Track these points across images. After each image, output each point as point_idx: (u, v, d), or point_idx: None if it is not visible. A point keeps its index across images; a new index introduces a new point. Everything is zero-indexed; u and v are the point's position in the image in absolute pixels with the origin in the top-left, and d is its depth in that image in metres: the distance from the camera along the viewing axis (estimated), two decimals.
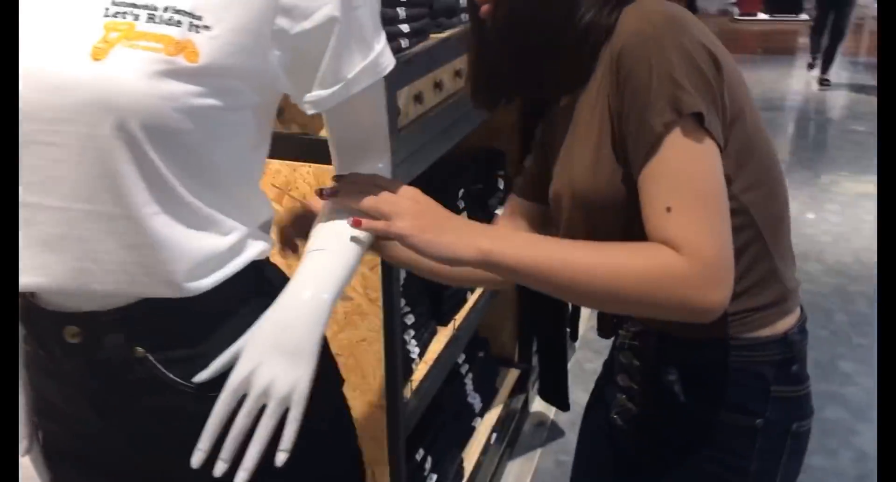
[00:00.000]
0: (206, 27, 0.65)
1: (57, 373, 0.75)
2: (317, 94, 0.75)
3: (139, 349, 0.72)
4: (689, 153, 0.74)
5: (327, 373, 0.83)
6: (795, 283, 0.93)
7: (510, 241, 0.78)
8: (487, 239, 0.76)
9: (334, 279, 0.77)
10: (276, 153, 1.18)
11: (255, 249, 0.77)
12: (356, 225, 0.77)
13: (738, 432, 0.88)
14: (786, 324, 0.89)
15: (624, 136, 0.78)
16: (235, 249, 0.74)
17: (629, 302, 0.75)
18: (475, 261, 0.76)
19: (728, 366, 0.87)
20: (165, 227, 0.67)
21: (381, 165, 0.87)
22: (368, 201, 0.77)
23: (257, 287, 0.78)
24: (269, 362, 0.72)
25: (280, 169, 1.19)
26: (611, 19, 0.79)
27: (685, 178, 0.74)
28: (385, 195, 0.78)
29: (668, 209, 0.73)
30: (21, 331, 0.78)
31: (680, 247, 0.73)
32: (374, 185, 0.80)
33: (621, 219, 0.82)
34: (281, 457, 0.72)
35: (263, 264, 0.80)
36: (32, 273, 0.65)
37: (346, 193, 0.80)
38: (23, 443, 0.85)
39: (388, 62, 0.80)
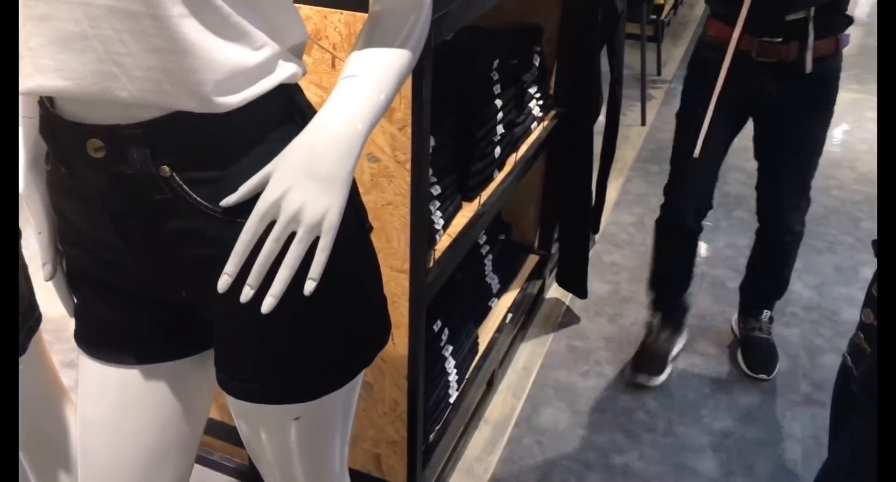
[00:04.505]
0: None
1: (81, 192, 0.73)
2: None
3: (165, 167, 0.69)
4: None
5: (358, 214, 0.81)
6: None
7: None
8: None
9: (369, 107, 0.73)
10: None
11: (286, 71, 0.72)
12: None
13: None
14: None
15: None
16: (266, 68, 0.70)
17: None
18: None
19: None
20: (193, 31, 0.62)
21: None
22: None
23: (287, 113, 0.74)
24: (300, 187, 0.69)
25: (310, 15, 1.12)
26: None
27: None
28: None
29: None
30: (44, 147, 0.75)
31: None
32: None
33: None
34: (310, 286, 0.70)
35: (294, 90, 0.76)
36: (53, 74, 0.61)
37: None
38: (46, 269, 0.85)
39: None
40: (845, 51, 1.70)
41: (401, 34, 0.77)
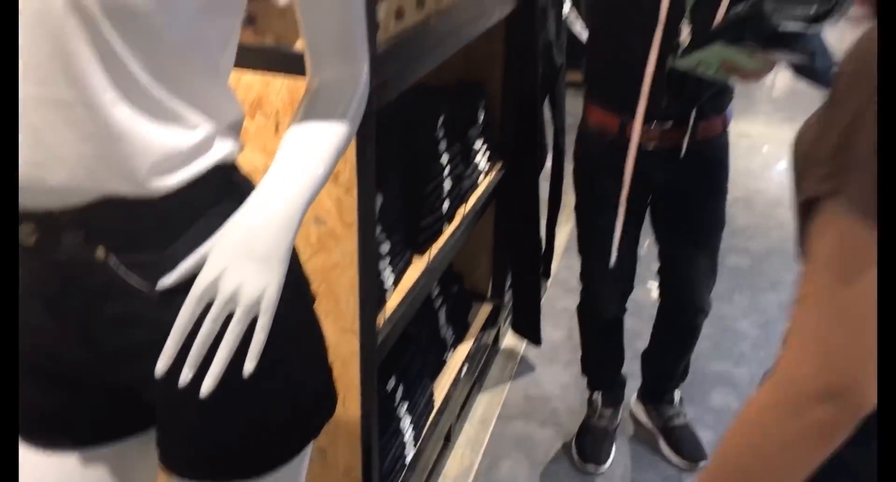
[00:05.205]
0: None
1: None
2: None
3: (99, 251, 0.67)
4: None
5: (300, 286, 0.80)
6: None
7: None
8: None
9: (307, 184, 0.73)
10: (248, 64, 1.13)
11: (223, 150, 0.72)
12: None
13: None
14: None
15: None
16: (202, 148, 0.70)
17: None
18: None
19: None
20: (126, 117, 0.62)
21: (359, 71, 0.81)
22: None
23: (225, 190, 0.74)
24: (237, 267, 0.68)
25: (252, 83, 1.13)
26: None
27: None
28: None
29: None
30: None
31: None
32: None
33: None
34: (249, 367, 0.69)
35: (231, 168, 0.76)
36: None
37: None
38: None
39: None
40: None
41: (338, 109, 0.79)
